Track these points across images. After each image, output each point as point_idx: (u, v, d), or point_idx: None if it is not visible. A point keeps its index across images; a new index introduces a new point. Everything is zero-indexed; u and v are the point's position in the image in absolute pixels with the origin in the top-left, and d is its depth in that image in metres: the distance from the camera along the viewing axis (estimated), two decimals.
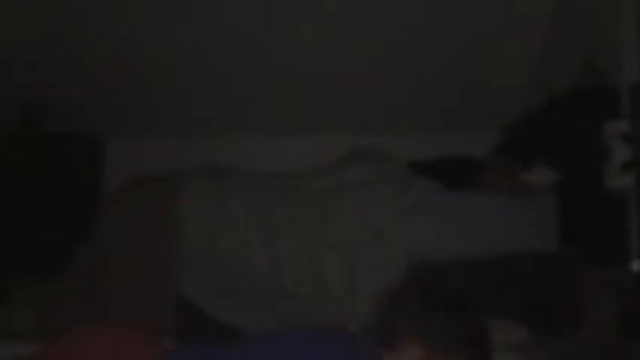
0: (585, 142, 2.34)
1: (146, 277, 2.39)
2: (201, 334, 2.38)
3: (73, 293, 2.46)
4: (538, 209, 2.49)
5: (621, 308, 2.09)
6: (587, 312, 2.27)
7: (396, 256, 2.41)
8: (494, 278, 2.41)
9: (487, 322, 1.54)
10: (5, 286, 2.84)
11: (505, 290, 2.39)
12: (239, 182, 2.56)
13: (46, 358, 1.55)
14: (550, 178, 2.53)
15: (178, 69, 3.34)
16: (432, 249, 2.43)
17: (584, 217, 2.37)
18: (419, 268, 2.39)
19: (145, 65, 3.32)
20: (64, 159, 3.28)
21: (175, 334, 2.30)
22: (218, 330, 2.38)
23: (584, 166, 2.35)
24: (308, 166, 2.72)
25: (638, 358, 1.95)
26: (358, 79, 3.35)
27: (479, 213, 2.50)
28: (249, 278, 2.42)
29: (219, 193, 2.50)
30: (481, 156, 2.91)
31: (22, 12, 3.10)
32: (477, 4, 3.04)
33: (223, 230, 2.43)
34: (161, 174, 2.65)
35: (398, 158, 2.75)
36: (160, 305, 2.37)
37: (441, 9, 3.07)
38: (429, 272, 2.39)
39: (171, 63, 3.31)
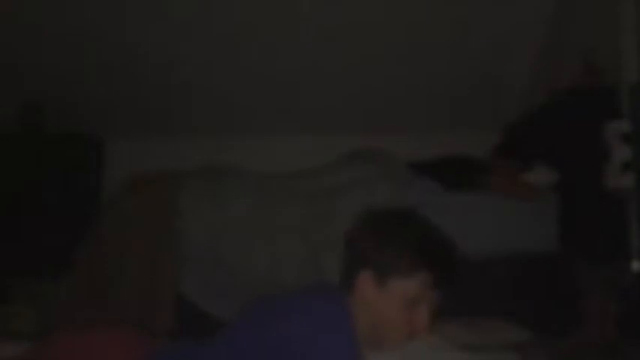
0: (585, 142, 2.34)
1: (146, 277, 2.39)
2: (201, 334, 2.38)
3: (73, 293, 2.45)
4: (538, 209, 2.49)
5: (621, 308, 2.10)
6: (587, 312, 2.27)
7: None
8: (495, 278, 2.41)
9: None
10: (5, 286, 2.84)
11: (505, 290, 2.39)
12: (239, 182, 2.56)
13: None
14: (550, 178, 2.53)
15: (178, 69, 3.34)
16: None
17: (584, 217, 2.37)
18: None
19: (145, 65, 3.32)
20: (64, 159, 3.29)
21: (175, 334, 2.30)
22: (218, 330, 2.38)
23: (584, 166, 2.35)
24: (308, 166, 2.72)
25: (638, 358, 1.95)
26: (358, 78, 3.35)
27: (479, 213, 2.49)
28: (250, 278, 2.42)
29: (220, 193, 2.50)
30: (481, 156, 2.91)
31: (23, 12, 3.11)
32: (478, 4, 3.04)
33: (223, 230, 2.43)
34: (161, 174, 2.65)
35: (398, 158, 2.75)
36: (160, 305, 2.37)
37: (441, 9, 3.07)
38: None
39: (171, 63, 3.32)
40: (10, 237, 3.08)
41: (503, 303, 2.31)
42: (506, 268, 2.42)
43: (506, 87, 3.34)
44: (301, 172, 2.67)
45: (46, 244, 3.03)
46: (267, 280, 2.40)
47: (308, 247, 2.43)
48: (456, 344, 1.85)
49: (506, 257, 2.43)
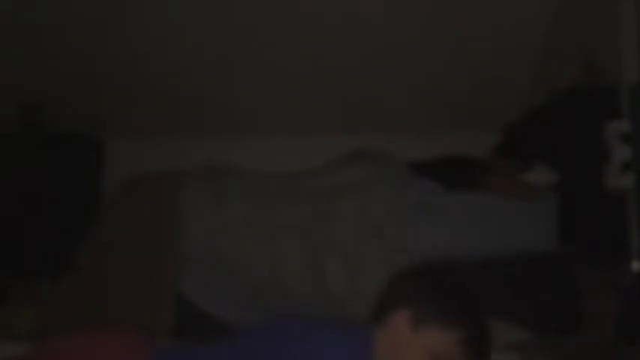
0: (585, 142, 2.34)
1: (146, 277, 2.39)
2: (201, 334, 2.38)
3: (73, 293, 2.46)
4: (538, 209, 2.49)
5: (621, 308, 2.10)
6: (587, 312, 2.27)
7: (396, 257, 2.41)
8: (494, 278, 2.41)
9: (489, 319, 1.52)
10: (5, 286, 2.84)
11: (505, 290, 2.39)
12: (239, 182, 2.56)
13: None
14: (550, 178, 2.53)
15: (179, 69, 3.34)
16: (432, 249, 2.43)
17: (584, 217, 2.37)
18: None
19: (145, 65, 3.32)
20: (64, 159, 3.29)
21: (175, 334, 2.30)
22: (218, 330, 2.38)
23: (584, 166, 2.35)
24: (308, 166, 2.72)
25: (638, 358, 1.95)
26: (358, 78, 3.35)
27: (479, 213, 2.49)
28: (250, 278, 2.42)
29: (220, 192, 2.50)
30: (481, 156, 2.91)
31: (22, 12, 3.11)
32: (478, 4, 3.04)
33: (223, 230, 2.43)
34: (161, 174, 2.65)
35: (398, 158, 2.75)
36: (160, 305, 2.37)
37: (441, 9, 3.07)
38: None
39: (171, 63, 3.32)
40: (10, 237, 3.08)
41: (503, 303, 2.31)
42: (506, 268, 2.42)
43: (506, 87, 3.33)
44: (301, 172, 2.67)
45: (46, 244, 3.03)
46: (267, 280, 2.41)
47: (308, 247, 2.43)
48: None
49: (506, 257, 2.42)
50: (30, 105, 3.35)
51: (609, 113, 2.24)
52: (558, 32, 3.09)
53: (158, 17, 3.13)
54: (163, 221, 2.46)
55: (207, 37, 3.21)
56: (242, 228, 2.44)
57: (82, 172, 3.34)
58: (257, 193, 2.52)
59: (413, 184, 2.58)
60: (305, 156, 2.96)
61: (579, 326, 2.26)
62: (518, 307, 2.36)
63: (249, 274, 2.42)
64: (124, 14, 3.11)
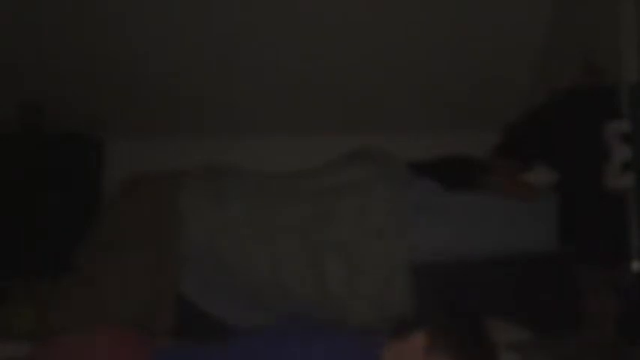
0: (585, 142, 2.34)
1: (146, 277, 2.39)
2: (201, 334, 2.38)
3: (72, 293, 2.45)
4: (538, 209, 2.49)
5: (621, 308, 2.10)
6: (587, 312, 2.27)
7: (396, 257, 2.41)
8: (494, 278, 2.41)
9: (488, 323, 1.55)
10: (5, 286, 2.84)
11: (505, 290, 2.39)
12: (239, 182, 2.56)
13: None
14: (550, 178, 2.53)
15: (179, 69, 3.34)
16: (432, 249, 2.43)
17: (584, 217, 2.37)
18: (419, 269, 2.40)
19: (145, 65, 3.32)
20: (63, 159, 3.29)
21: (175, 334, 2.30)
22: (218, 330, 2.38)
23: (584, 166, 2.35)
24: (308, 166, 2.72)
25: (638, 358, 1.95)
26: (358, 78, 3.35)
27: (479, 213, 2.50)
28: (250, 278, 2.42)
29: (219, 192, 2.50)
30: (481, 156, 2.91)
31: (22, 12, 3.11)
32: (478, 4, 3.04)
33: (223, 230, 2.43)
34: (161, 174, 2.65)
35: (398, 158, 2.75)
36: (160, 305, 2.37)
37: (441, 9, 3.07)
38: (429, 273, 2.39)
39: (171, 63, 3.32)
40: (10, 237, 3.08)
41: (503, 303, 2.31)
42: (506, 268, 2.42)
43: (506, 87, 3.34)
44: (301, 172, 2.67)
45: (46, 244, 3.03)
46: (267, 280, 2.41)
47: (308, 247, 2.43)
48: None
49: (506, 257, 2.43)
50: (30, 105, 3.35)
51: (609, 113, 2.24)
52: (558, 32, 3.09)
53: (158, 17, 3.13)
54: (163, 221, 2.46)
55: (207, 37, 3.21)
56: (242, 228, 2.44)
57: (82, 172, 3.34)
58: (257, 193, 2.52)
59: (413, 184, 2.58)
60: (305, 156, 2.96)
61: (579, 326, 2.26)
62: (518, 307, 2.36)
63: (249, 274, 2.42)
64: (124, 14, 3.11)
